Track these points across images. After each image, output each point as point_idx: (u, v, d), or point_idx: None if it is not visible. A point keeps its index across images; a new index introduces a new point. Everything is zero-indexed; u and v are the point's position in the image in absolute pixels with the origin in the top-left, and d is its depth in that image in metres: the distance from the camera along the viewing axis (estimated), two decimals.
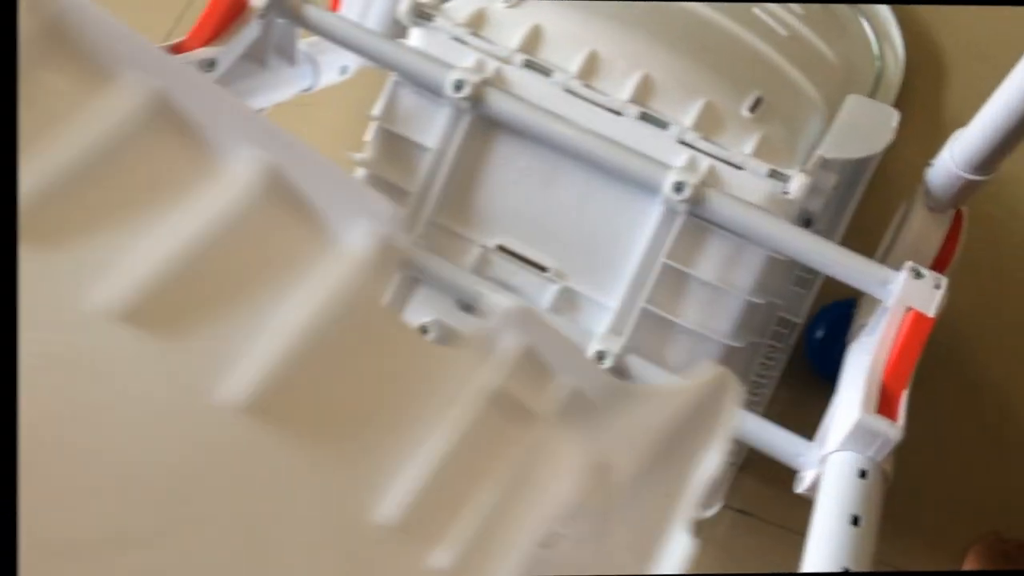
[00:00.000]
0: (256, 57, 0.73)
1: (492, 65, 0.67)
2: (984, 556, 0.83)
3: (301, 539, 0.27)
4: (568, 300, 0.69)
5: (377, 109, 0.71)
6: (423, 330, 0.69)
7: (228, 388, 0.29)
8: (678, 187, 0.62)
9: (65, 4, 0.30)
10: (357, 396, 0.31)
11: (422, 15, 0.69)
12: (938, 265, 0.68)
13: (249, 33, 0.70)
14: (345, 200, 0.31)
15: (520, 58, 0.67)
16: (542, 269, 0.69)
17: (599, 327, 0.67)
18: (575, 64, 0.66)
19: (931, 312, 0.58)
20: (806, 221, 0.69)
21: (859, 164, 0.73)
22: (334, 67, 0.82)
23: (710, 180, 0.63)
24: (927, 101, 0.96)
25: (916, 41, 0.95)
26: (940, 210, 0.69)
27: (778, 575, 0.74)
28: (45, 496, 0.24)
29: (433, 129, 0.68)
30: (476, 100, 0.65)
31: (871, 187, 0.75)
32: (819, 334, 0.87)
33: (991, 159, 0.62)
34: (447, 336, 0.69)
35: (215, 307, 0.30)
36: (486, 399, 0.32)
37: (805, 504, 0.54)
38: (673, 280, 0.66)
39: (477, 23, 0.69)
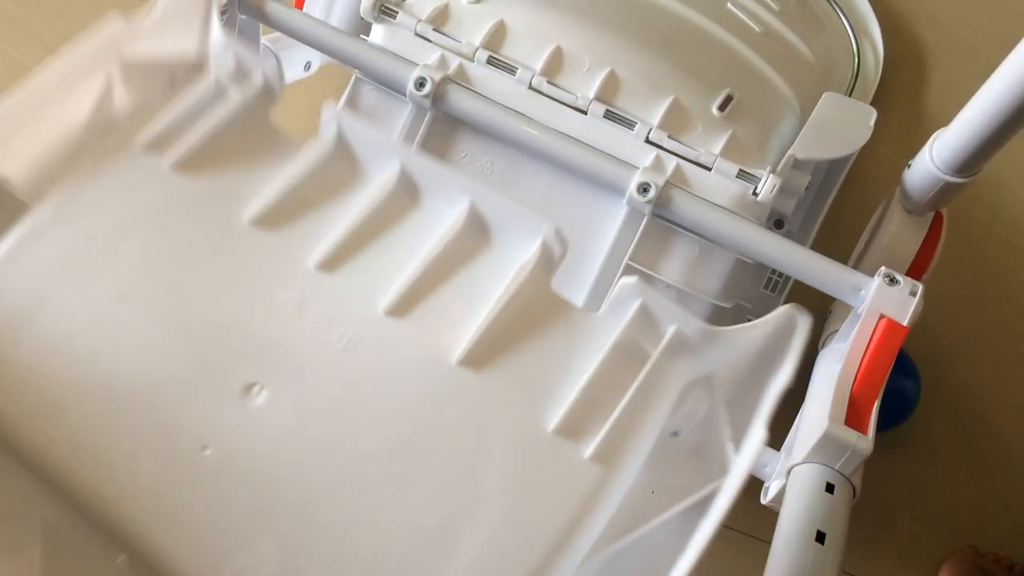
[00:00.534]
0: None
1: (455, 62, 0.65)
2: (959, 569, 0.81)
3: (500, 444, 0.44)
4: None
5: (339, 105, 0.69)
6: None
7: (451, 348, 0.46)
8: (643, 188, 0.60)
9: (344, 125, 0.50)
10: (532, 350, 0.46)
11: (385, 11, 0.67)
12: (915, 271, 0.65)
13: None
14: (519, 224, 0.48)
15: (484, 55, 0.65)
16: None
17: None
18: (540, 61, 0.64)
19: (905, 320, 0.55)
20: (777, 223, 0.67)
21: (834, 164, 0.71)
22: (297, 63, 0.80)
23: (676, 181, 0.61)
24: (907, 99, 0.93)
25: (896, 36, 0.93)
26: (918, 213, 0.66)
27: None
28: (352, 423, 0.44)
29: (395, 126, 0.67)
30: (438, 97, 0.64)
31: (846, 188, 0.73)
32: None
33: (973, 160, 0.59)
34: None
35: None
36: (615, 346, 0.46)
37: (771, 512, 0.52)
38: None
39: (440, 19, 0.67)
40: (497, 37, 0.66)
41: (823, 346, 0.65)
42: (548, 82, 0.64)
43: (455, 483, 0.43)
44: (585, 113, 0.63)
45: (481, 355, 0.46)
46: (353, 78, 0.68)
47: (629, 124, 0.63)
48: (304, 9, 0.77)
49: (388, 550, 0.42)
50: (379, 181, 0.50)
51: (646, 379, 0.46)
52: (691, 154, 0.62)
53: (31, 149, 0.48)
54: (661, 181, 0.60)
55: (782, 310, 0.45)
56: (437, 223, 0.49)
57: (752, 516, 0.82)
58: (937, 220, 0.67)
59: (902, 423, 0.85)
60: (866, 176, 0.78)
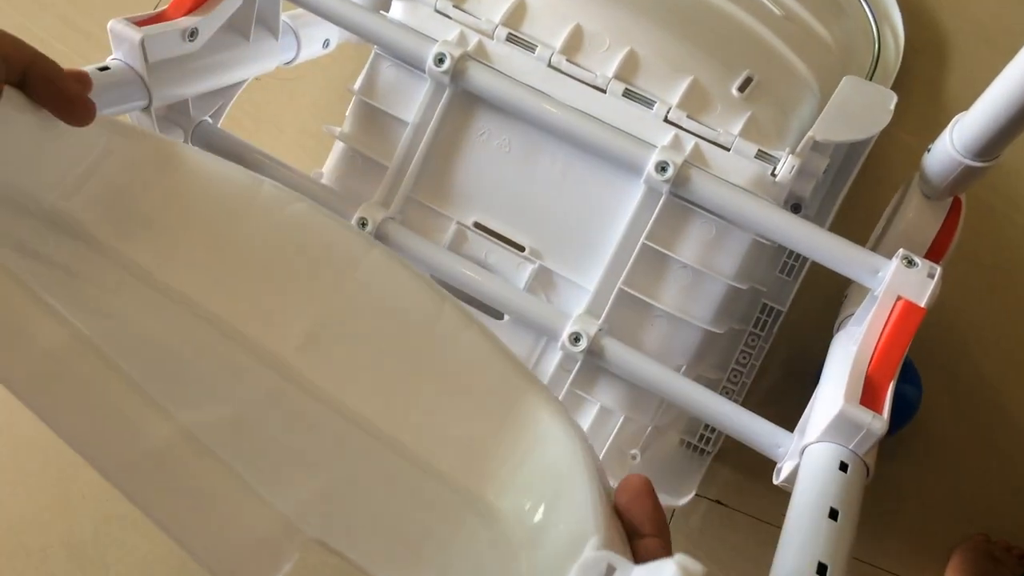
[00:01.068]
0: (238, 28, 0.72)
1: (474, 39, 0.65)
2: (969, 557, 0.81)
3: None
4: (544, 280, 0.67)
5: (357, 82, 0.69)
6: None
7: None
8: (661, 167, 0.60)
9: None
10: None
11: None
12: (932, 256, 0.65)
13: (231, 3, 0.68)
14: None
15: (503, 32, 0.64)
16: (519, 248, 0.68)
17: (576, 308, 0.65)
18: (559, 39, 0.64)
19: (923, 302, 0.55)
20: (795, 206, 0.67)
21: (853, 148, 0.71)
22: (316, 40, 0.80)
23: (695, 160, 0.61)
24: (927, 83, 0.93)
25: (917, 21, 0.92)
26: (937, 197, 0.66)
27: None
28: None
29: (413, 103, 0.67)
30: (457, 74, 0.63)
31: (865, 172, 0.72)
32: None
33: (993, 144, 0.59)
34: None
35: None
36: None
37: (782, 496, 0.52)
38: (653, 262, 0.64)
39: None
40: (517, 15, 0.65)
41: (838, 329, 0.65)
42: (567, 60, 0.64)
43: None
44: (604, 92, 0.63)
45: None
46: (372, 54, 0.68)
47: (648, 103, 0.62)
48: None
49: None
50: None
51: None
52: (710, 134, 0.62)
53: None
54: (679, 160, 0.60)
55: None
56: None
57: (762, 499, 0.82)
58: (956, 206, 0.66)
59: (903, 428, 0.85)
60: (885, 163, 0.77)
